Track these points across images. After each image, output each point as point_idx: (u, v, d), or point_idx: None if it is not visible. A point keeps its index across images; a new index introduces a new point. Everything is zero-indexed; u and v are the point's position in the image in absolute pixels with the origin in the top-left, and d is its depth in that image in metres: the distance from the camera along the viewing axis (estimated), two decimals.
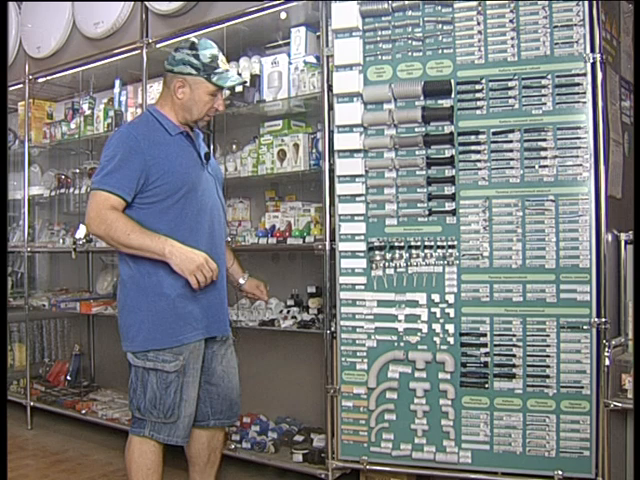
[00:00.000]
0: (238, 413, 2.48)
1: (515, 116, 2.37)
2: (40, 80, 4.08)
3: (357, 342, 2.59)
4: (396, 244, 2.53)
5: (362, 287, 2.58)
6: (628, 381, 2.27)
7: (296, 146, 3.01)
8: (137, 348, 2.20)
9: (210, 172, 2.34)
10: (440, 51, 2.47)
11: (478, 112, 2.42)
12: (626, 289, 2.44)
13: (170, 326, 2.18)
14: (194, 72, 2.23)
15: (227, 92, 2.45)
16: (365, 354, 2.58)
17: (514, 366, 2.38)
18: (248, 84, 3.07)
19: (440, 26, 2.46)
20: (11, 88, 4.16)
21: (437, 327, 2.47)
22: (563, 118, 2.33)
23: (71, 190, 4.03)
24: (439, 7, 2.46)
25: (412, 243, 2.50)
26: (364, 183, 2.57)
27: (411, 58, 2.50)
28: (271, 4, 2.94)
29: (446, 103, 2.45)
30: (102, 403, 3.78)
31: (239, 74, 3.11)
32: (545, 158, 2.35)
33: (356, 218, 2.59)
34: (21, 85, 4.12)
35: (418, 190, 2.50)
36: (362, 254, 2.58)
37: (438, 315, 2.47)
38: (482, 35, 2.41)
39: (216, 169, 2.44)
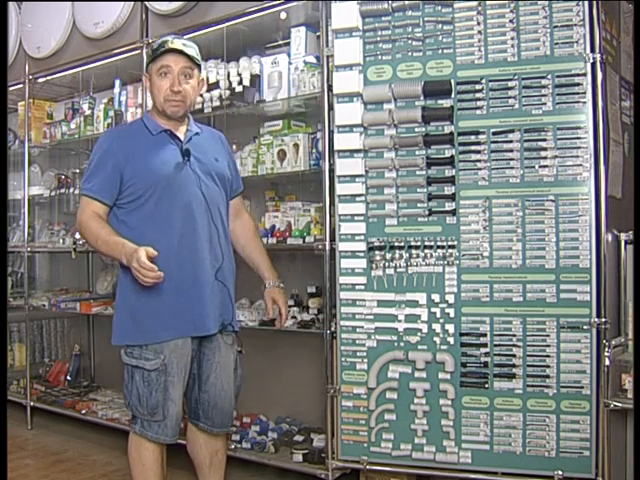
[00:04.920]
0: (230, 423, 2.46)
1: (515, 116, 2.37)
2: (40, 80, 4.08)
3: (357, 342, 2.59)
4: (396, 244, 2.53)
5: (362, 287, 2.58)
6: (628, 381, 2.27)
7: (296, 146, 3.01)
8: (115, 341, 2.29)
9: (195, 168, 2.28)
10: (440, 51, 2.47)
11: (478, 112, 2.42)
12: (626, 289, 2.44)
13: (142, 323, 2.23)
14: (148, 60, 2.30)
15: (188, 82, 2.26)
16: (365, 354, 2.58)
17: (514, 366, 2.38)
18: (247, 83, 3.06)
19: (440, 26, 2.46)
20: (11, 88, 4.15)
21: (437, 327, 2.47)
22: (563, 118, 2.33)
23: (71, 190, 4.03)
24: (439, 7, 2.46)
25: (412, 243, 2.50)
26: (364, 183, 2.56)
27: (411, 58, 2.50)
28: (271, 4, 2.94)
29: (446, 103, 2.45)
30: (102, 403, 3.77)
31: (239, 74, 3.12)
32: (545, 158, 2.35)
33: (356, 218, 2.59)
34: (21, 85, 4.12)
35: (418, 190, 2.50)
36: (362, 254, 2.58)
37: (438, 315, 2.47)
38: (482, 35, 2.41)
39: (209, 163, 2.34)
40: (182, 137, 2.32)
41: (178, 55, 2.24)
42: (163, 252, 2.15)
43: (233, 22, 3.07)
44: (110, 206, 2.26)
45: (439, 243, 2.47)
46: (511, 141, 2.38)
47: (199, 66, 2.32)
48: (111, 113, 3.70)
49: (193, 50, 2.28)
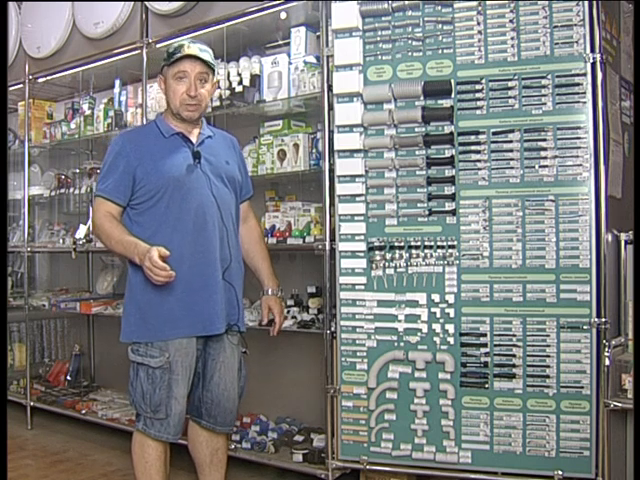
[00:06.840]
0: (233, 423, 2.47)
1: (515, 116, 2.37)
2: (40, 80, 4.08)
3: (357, 342, 2.59)
4: (396, 244, 2.53)
5: (362, 287, 2.58)
6: (628, 381, 2.27)
7: (296, 146, 3.01)
8: (123, 339, 2.32)
9: (205, 170, 2.31)
10: (440, 51, 2.47)
11: (478, 112, 2.42)
12: (626, 289, 2.44)
13: (149, 320, 2.25)
14: (163, 63, 2.32)
15: (203, 85, 2.28)
16: (365, 354, 2.58)
17: (514, 366, 2.38)
18: (247, 83, 3.07)
19: (440, 26, 2.46)
20: (11, 88, 4.15)
21: (437, 327, 2.47)
22: (563, 118, 2.33)
23: (71, 190, 4.03)
24: (439, 7, 2.46)
25: (412, 243, 2.50)
26: (364, 183, 2.56)
27: (411, 58, 2.50)
28: (271, 4, 2.94)
29: (446, 103, 2.45)
30: (102, 403, 3.78)
31: (239, 74, 3.13)
32: (545, 158, 2.35)
33: (356, 218, 2.59)
34: (21, 85, 4.12)
35: (418, 190, 2.50)
36: (362, 254, 2.58)
37: (438, 315, 2.47)
38: (482, 35, 2.41)
39: (220, 166, 2.37)
40: (194, 140, 2.35)
41: (194, 60, 2.27)
42: (175, 252, 2.17)
43: (233, 22, 3.07)
44: (123, 206, 2.29)
45: (439, 243, 2.47)
46: (511, 141, 2.38)
47: (214, 70, 2.35)
48: (111, 113, 3.70)
49: (208, 55, 2.31)
